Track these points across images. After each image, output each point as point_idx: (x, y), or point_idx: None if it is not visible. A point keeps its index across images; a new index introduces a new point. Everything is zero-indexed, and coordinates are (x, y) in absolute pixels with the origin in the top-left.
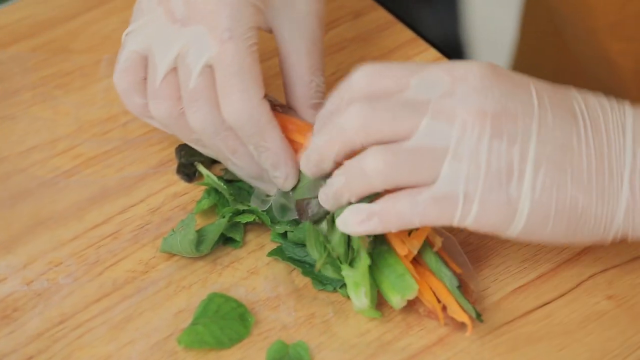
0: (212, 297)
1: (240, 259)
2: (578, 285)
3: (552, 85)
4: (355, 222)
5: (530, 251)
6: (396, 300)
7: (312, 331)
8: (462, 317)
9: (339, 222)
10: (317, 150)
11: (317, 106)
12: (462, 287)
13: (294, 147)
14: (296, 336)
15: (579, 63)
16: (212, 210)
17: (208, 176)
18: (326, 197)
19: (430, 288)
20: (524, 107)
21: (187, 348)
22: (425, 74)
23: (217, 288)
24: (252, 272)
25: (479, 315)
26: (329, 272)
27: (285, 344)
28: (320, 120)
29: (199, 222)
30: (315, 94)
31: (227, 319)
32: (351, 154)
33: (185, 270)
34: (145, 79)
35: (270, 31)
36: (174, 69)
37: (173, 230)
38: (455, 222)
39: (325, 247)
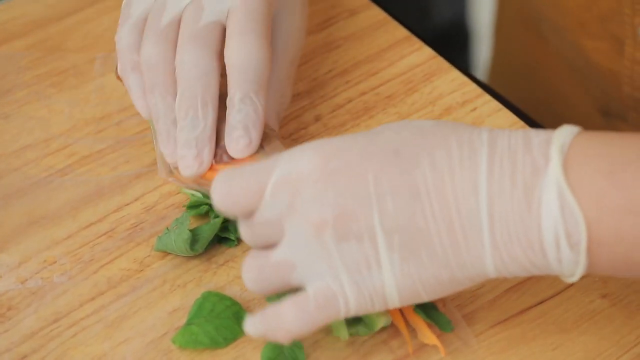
0: (207, 296)
1: (235, 257)
2: (573, 284)
3: (396, 156)
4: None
5: None
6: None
7: None
8: (432, 340)
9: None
10: None
11: (279, 114)
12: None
13: None
14: None
15: (557, 55)
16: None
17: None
18: None
19: (400, 311)
20: (362, 202)
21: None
22: (270, 191)
23: (212, 287)
24: None
25: (448, 324)
26: None
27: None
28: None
29: (194, 222)
30: (281, 105)
31: (221, 318)
32: None
33: (180, 269)
34: None
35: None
36: (179, 20)
37: (167, 228)
38: (342, 315)
39: None
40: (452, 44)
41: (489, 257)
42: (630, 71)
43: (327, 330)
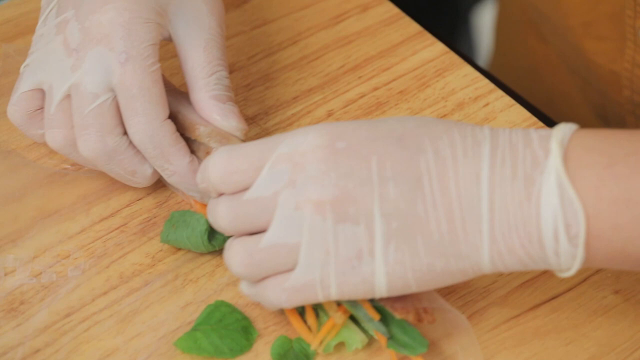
0: (219, 305)
1: None
2: (585, 279)
3: (400, 142)
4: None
5: None
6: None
7: None
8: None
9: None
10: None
11: (220, 97)
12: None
13: None
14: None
15: (557, 57)
16: None
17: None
18: None
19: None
20: (363, 185)
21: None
22: (270, 166)
23: (225, 281)
24: None
25: (422, 344)
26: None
27: (288, 339)
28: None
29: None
30: (216, 86)
31: (229, 329)
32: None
33: (192, 264)
34: (42, 109)
35: (170, 39)
36: (68, 97)
37: (165, 227)
38: (321, 300)
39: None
40: (463, 39)
41: (486, 247)
42: (630, 74)
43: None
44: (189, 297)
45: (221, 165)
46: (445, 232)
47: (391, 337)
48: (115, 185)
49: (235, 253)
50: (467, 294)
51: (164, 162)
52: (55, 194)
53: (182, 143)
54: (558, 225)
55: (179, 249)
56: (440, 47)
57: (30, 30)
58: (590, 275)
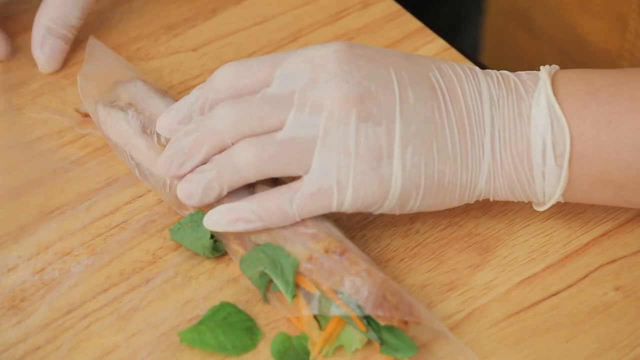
0: (224, 305)
1: None
2: (586, 276)
3: (408, 60)
4: (227, 221)
5: (538, 242)
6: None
7: None
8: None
9: (207, 221)
10: (182, 151)
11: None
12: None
13: None
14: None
15: (548, 47)
16: None
17: None
18: (191, 191)
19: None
20: (385, 87)
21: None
22: (287, 66)
23: (225, 278)
24: None
25: (411, 348)
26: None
27: (289, 336)
28: (177, 114)
29: None
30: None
31: (233, 328)
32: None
33: (193, 261)
34: None
35: None
36: None
37: (179, 222)
38: (334, 209)
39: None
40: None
41: (485, 162)
42: (632, 46)
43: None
44: (190, 294)
45: (231, 69)
46: (457, 140)
47: (383, 342)
48: (116, 182)
49: (246, 146)
50: (467, 291)
51: None
52: (57, 190)
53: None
54: (546, 143)
55: (180, 247)
56: (440, 43)
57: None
58: (591, 272)
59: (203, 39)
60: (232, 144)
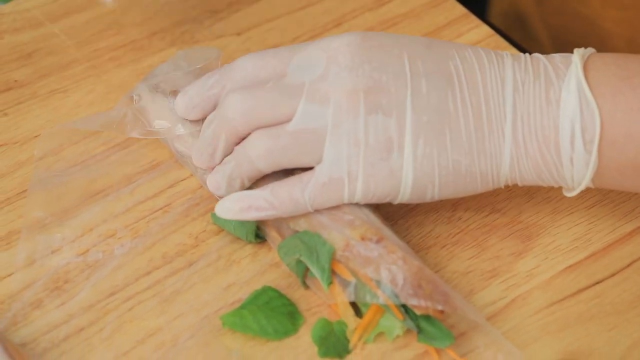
0: (266, 289)
1: None
2: (629, 264)
3: (428, 47)
4: (239, 208)
5: (582, 230)
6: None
7: None
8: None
9: (219, 208)
10: (207, 142)
11: None
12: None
13: None
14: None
15: (566, 35)
16: None
17: None
18: (218, 182)
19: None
20: (397, 79)
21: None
22: (302, 57)
23: (267, 262)
24: None
25: (447, 337)
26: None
27: (329, 321)
28: (193, 99)
29: None
30: None
31: (275, 312)
32: (240, 140)
33: (235, 244)
34: None
35: None
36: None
37: None
38: (345, 200)
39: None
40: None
41: (507, 149)
42: None
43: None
44: (232, 277)
45: (251, 61)
46: (472, 129)
47: (420, 331)
48: (159, 165)
49: (258, 138)
50: (510, 278)
51: None
52: (101, 173)
53: None
54: (575, 128)
55: (222, 230)
56: (485, 29)
57: (77, 10)
58: (635, 260)
59: (247, 23)
60: (246, 133)
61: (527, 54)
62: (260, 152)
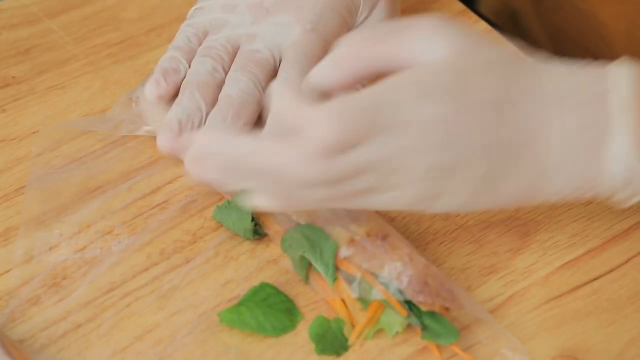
0: (264, 286)
1: None
2: (627, 261)
3: (498, 117)
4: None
5: (579, 226)
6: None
7: None
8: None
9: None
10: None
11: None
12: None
13: None
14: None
15: (564, 31)
16: None
17: None
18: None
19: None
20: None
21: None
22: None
23: (265, 258)
24: None
25: (453, 334)
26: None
27: (327, 319)
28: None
29: None
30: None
31: (273, 308)
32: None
33: (233, 241)
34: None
35: None
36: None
37: (228, 201)
38: None
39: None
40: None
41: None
42: None
43: None
44: (230, 274)
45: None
46: (512, 153)
47: (425, 328)
48: (157, 162)
49: (332, 109)
50: (508, 274)
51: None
52: (99, 170)
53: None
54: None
55: (220, 227)
56: (483, 25)
57: (75, 6)
58: (633, 257)
59: None
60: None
61: (564, 65)
62: (333, 121)
